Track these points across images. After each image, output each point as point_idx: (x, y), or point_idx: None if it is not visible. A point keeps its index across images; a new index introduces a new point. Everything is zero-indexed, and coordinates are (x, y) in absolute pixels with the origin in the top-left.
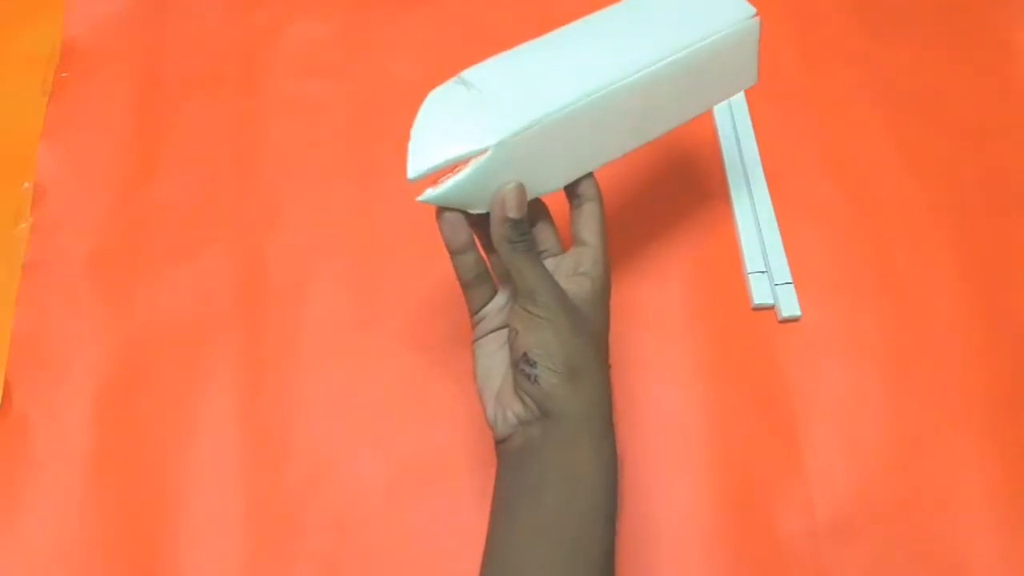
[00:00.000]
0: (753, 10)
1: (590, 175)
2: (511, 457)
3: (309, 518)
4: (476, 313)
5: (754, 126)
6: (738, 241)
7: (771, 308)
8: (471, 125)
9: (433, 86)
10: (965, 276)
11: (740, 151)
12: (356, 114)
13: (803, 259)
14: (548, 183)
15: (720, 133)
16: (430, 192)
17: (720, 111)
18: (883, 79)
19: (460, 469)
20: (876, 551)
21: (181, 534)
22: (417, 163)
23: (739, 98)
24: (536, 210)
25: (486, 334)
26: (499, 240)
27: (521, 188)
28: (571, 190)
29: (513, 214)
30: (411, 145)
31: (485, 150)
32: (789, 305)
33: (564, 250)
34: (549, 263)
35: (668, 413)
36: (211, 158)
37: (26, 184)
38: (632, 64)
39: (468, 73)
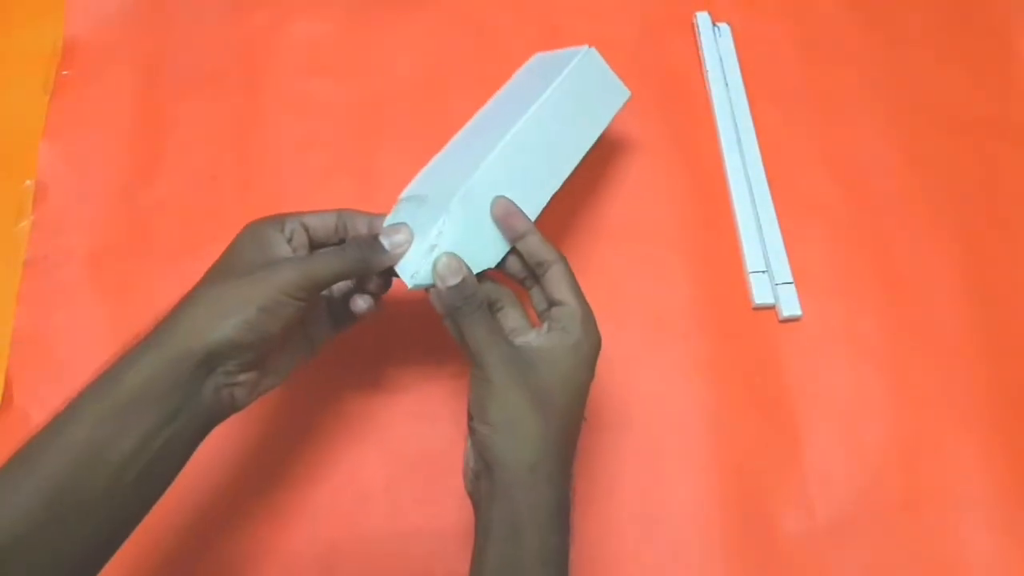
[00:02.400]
0: (585, 47)
1: (545, 243)
2: (476, 513)
3: (309, 517)
4: None
5: (754, 126)
6: (739, 241)
7: (772, 308)
8: (425, 218)
9: (434, 85)
10: (965, 276)
11: (741, 151)
12: (357, 113)
13: (803, 259)
14: (499, 241)
15: (721, 133)
16: (415, 278)
17: (721, 110)
18: (883, 79)
19: (459, 469)
20: (876, 551)
21: (181, 532)
22: (407, 271)
23: (740, 97)
24: (497, 295)
25: None
26: (444, 310)
27: (451, 256)
28: (531, 264)
29: (450, 281)
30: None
31: (443, 224)
32: (790, 305)
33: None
34: (528, 336)
35: (668, 412)
36: (212, 156)
37: (27, 182)
38: (511, 124)
39: (405, 193)
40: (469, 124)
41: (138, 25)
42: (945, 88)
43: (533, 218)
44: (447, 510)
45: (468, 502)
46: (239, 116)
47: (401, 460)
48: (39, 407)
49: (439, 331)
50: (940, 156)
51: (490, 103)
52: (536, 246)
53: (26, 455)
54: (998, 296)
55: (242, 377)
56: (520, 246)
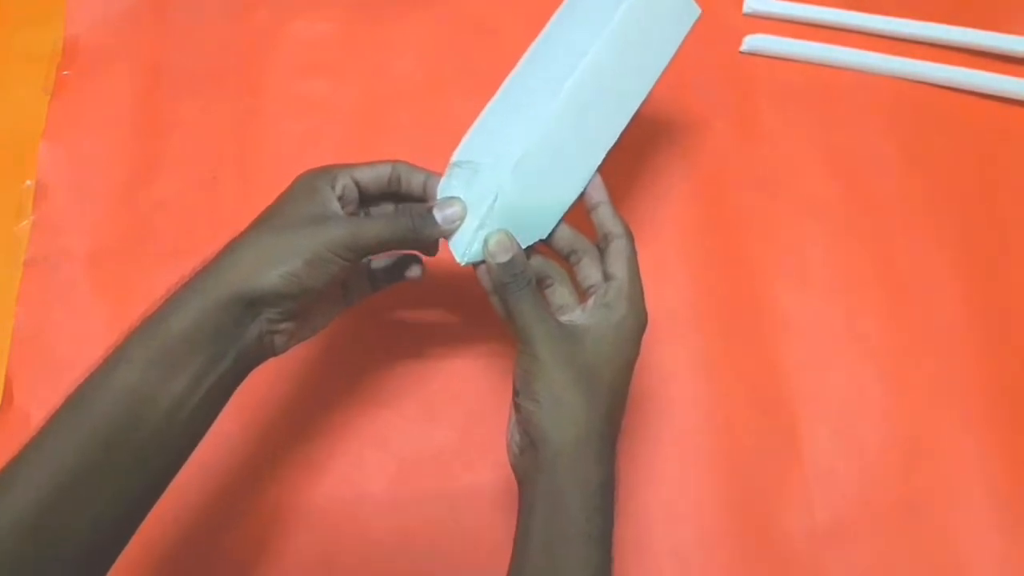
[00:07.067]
0: None
1: (616, 216)
2: (520, 487)
3: (310, 515)
4: None
5: (754, 125)
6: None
7: None
8: (478, 189)
9: (434, 85)
10: (965, 276)
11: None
12: (357, 113)
13: (803, 259)
14: (564, 195)
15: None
16: (466, 256)
17: None
18: (883, 78)
19: (458, 468)
20: (876, 551)
21: (181, 532)
22: (459, 248)
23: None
24: (547, 271)
25: None
26: (493, 286)
27: (503, 233)
28: (599, 232)
29: (500, 258)
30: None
31: (496, 198)
32: None
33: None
34: (574, 313)
35: (668, 412)
36: (212, 157)
37: (28, 182)
38: (567, 73)
39: (455, 156)
40: (522, 64)
41: (138, 25)
42: (945, 87)
43: (593, 170)
44: (452, 506)
45: (471, 499)
46: (239, 116)
47: (402, 458)
48: (39, 407)
49: (441, 332)
50: (940, 156)
51: (543, 36)
52: (606, 217)
53: (79, 399)
54: (998, 296)
55: (282, 326)
56: (592, 216)
